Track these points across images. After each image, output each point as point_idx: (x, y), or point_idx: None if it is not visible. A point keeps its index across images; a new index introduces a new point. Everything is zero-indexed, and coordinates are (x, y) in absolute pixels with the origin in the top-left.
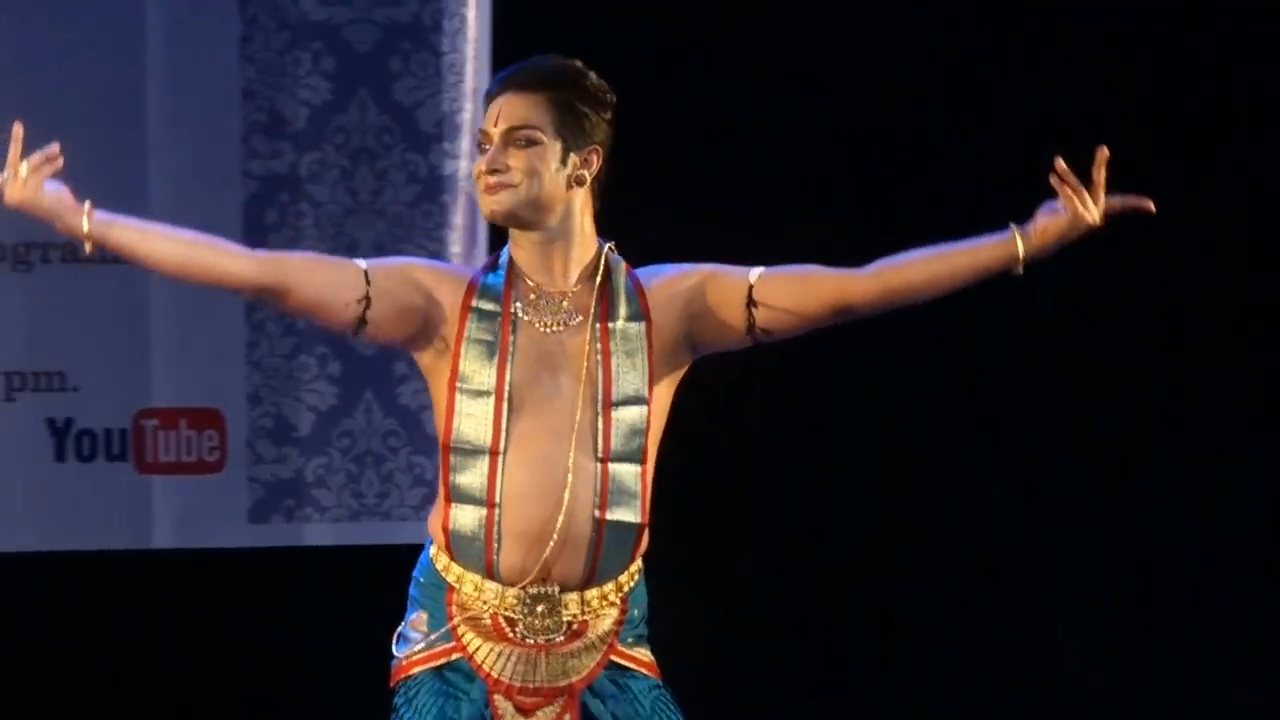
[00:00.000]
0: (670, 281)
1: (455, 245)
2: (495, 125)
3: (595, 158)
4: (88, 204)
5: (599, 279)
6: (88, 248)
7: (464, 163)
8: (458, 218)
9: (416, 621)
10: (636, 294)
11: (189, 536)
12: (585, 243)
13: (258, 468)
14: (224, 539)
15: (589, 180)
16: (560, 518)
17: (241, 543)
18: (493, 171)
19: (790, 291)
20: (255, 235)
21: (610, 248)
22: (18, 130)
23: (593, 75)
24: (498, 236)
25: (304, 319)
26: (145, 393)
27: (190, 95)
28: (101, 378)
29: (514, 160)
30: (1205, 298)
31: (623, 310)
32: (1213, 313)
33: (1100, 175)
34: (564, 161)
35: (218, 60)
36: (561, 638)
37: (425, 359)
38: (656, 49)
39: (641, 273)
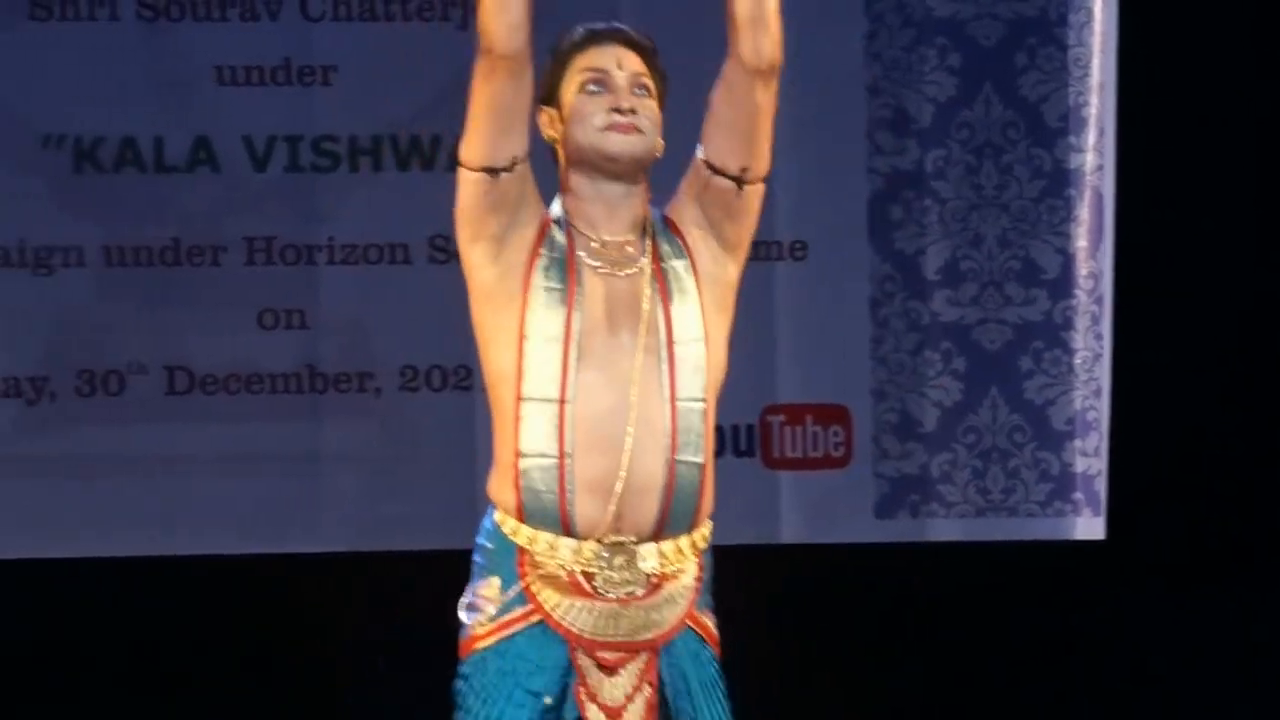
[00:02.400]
0: (681, 198)
1: (1081, 240)
2: (619, 68)
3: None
4: None
5: (647, 226)
6: None
7: (1089, 156)
8: (1083, 212)
9: (485, 587)
10: (671, 230)
11: (817, 531)
12: (646, 196)
13: (884, 463)
14: (851, 534)
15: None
16: (630, 462)
17: (868, 538)
18: (629, 110)
19: (718, 125)
20: (880, 232)
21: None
22: None
23: None
24: (1124, 230)
25: (480, 112)
26: (771, 389)
27: (816, 92)
28: (729, 374)
29: (641, 107)
30: None
31: (669, 250)
32: None
33: None
34: (660, 119)
35: (844, 57)
36: (641, 591)
37: (486, 277)
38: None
39: (667, 209)
